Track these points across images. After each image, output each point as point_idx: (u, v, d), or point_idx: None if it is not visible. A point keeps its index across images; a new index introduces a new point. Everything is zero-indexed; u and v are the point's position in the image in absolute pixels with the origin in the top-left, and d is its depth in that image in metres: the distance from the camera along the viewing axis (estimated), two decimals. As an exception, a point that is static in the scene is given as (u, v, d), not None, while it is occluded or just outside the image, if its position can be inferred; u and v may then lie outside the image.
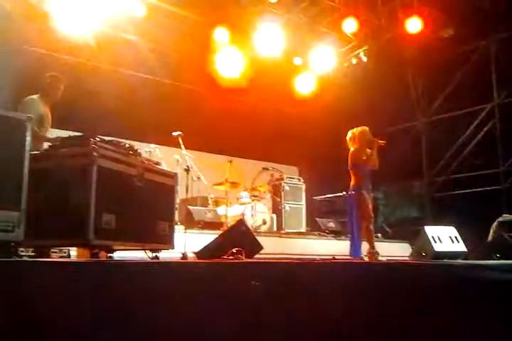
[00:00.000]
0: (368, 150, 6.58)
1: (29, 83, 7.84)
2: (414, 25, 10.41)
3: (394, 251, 8.62)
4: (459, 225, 7.24)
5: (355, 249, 6.40)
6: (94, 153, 3.96)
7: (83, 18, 8.77)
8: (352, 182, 6.52)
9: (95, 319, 2.41)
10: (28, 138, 3.53)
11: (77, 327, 2.37)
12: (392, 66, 11.34)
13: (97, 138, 4.17)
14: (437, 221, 9.06)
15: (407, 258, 7.92)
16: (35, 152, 4.13)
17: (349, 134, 6.70)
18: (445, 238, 6.93)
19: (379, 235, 9.30)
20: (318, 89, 11.75)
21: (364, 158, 6.52)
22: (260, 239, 5.70)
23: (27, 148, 3.56)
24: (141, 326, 2.47)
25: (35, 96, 5.26)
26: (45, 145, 5.03)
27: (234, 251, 4.79)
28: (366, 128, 6.67)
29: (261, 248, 5.53)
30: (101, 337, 2.40)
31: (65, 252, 4.72)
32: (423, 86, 11.92)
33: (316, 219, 9.88)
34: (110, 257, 4.67)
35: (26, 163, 3.53)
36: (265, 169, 9.98)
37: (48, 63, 8.40)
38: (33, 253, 4.14)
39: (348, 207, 6.71)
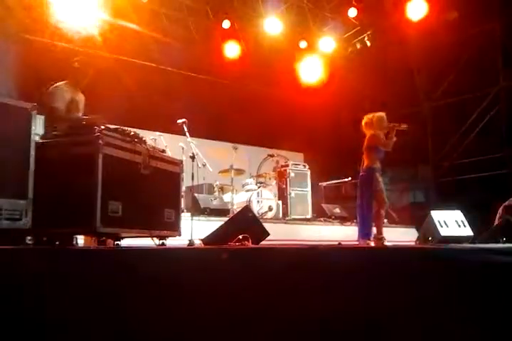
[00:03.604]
0: (383, 136, 6.49)
1: (31, 72, 7.86)
2: (418, 8, 10.30)
3: (400, 236, 8.62)
4: (464, 209, 7.22)
5: (364, 231, 6.37)
6: (100, 141, 3.96)
7: (85, 5, 8.76)
8: (366, 163, 6.46)
9: (103, 306, 2.43)
10: (34, 127, 3.54)
11: (85, 314, 2.39)
12: (397, 50, 11.26)
13: (102, 126, 4.16)
14: (443, 205, 9.03)
15: (413, 243, 7.92)
16: (41, 140, 4.14)
17: (365, 119, 6.58)
18: (451, 222, 6.92)
19: (385, 220, 9.29)
20: (322, 75, 11.69)
21: (382, 141, 6.44)
22: (266, 226, 5.72)
23: (32, 136, 3.57)
24: (149, 312, 2.49)
25: (59, 84, 5.08)
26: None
27: (240, 237, 4.81)
28: (383, 114, 6.56)
29: (267, 234, 5.55)
30: (108, 323, 2.42)
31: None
32: (428, 70, 11.83)
33: (322, 205, 9.89)
34: (117, 245, 4.69)
35: (32, 151, 3.54)
36: (270, 156, 9.98)
37: (50, 52, 8.38)
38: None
39: (359, 188, 6.62)
